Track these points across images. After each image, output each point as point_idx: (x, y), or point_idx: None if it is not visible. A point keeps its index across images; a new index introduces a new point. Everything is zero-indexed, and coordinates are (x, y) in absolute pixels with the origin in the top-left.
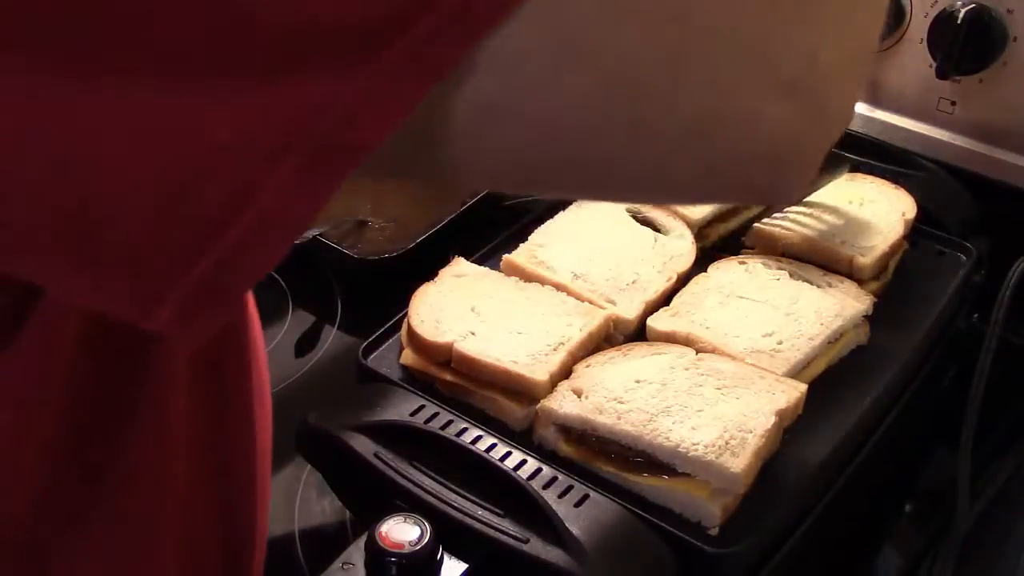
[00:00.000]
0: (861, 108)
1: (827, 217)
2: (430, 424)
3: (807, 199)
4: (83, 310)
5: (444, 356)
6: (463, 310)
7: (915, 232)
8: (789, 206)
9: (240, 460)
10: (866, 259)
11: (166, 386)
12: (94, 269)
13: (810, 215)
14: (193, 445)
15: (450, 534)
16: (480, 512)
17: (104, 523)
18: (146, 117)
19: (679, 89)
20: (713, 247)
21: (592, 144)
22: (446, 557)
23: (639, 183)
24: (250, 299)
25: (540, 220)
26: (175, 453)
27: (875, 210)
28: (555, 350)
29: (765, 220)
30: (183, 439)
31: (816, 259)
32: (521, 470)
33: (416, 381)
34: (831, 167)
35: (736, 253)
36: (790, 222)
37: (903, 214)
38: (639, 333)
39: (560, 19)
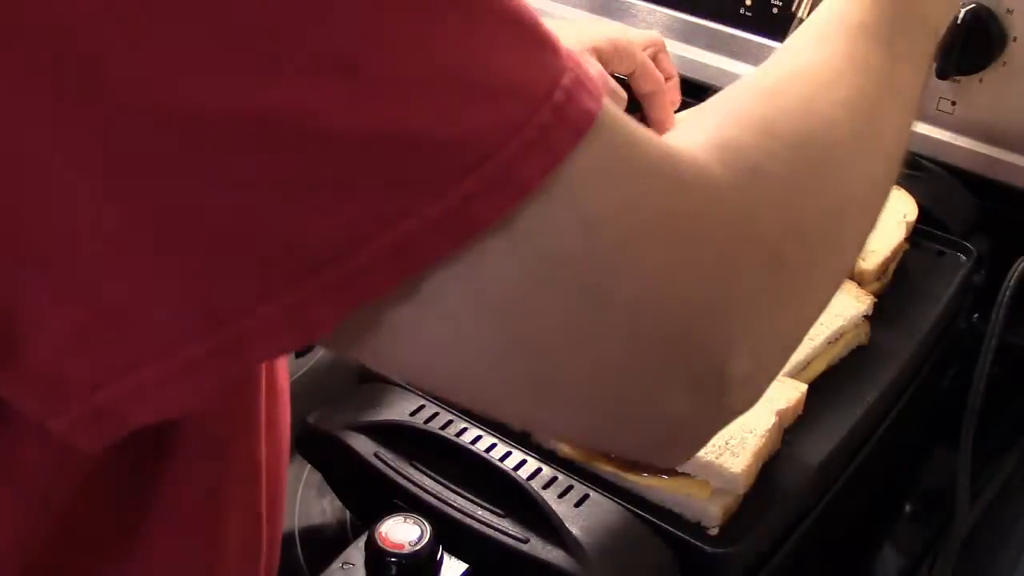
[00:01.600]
0: None
1: None
2: (430, 424)
3: None
4: None
5: None
6: None
7: (915, 232)
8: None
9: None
10: (868, 264)
11: (180, 460)
12: (8, 368)
13: None
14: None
15: (450, 534)
16: (480, 512)
17: None
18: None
19: (581, 365)
20: None
21: (487, 392)
22: (446, 557)
23: (528, 427)
24: None
25: None
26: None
27: None
28: None
29: None
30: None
31: None
32: (521, 470)
33: None
34: None
35: None
36: None
37: (904, 216)
38: None
39: (478, 272)
